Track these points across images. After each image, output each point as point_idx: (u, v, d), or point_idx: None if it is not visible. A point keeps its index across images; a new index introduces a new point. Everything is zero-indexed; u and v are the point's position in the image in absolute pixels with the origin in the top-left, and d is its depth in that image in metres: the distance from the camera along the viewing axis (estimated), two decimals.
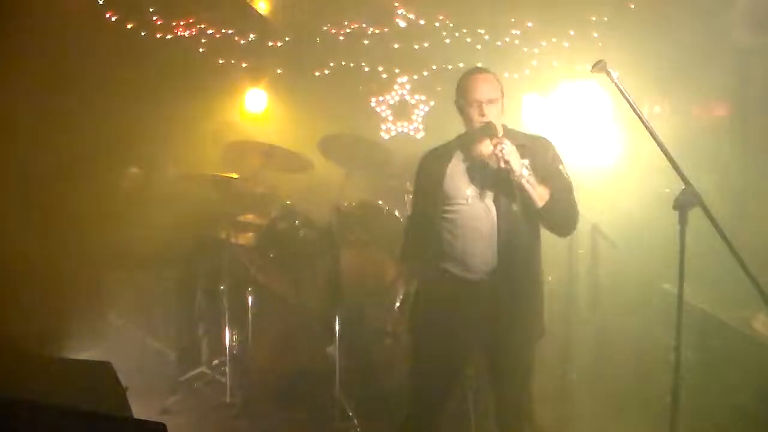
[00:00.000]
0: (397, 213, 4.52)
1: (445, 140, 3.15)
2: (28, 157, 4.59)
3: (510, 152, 2.78)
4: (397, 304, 3.17)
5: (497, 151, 2.78)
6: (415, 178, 3.29)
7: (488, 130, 2.86)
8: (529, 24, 5.60)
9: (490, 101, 2.93)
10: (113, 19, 5.44)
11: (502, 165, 2.78)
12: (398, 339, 3.32)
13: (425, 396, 3.05)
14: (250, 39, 6.04)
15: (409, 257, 3.22)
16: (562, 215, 2.92)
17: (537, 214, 2.87)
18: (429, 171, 3.09)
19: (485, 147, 2.97)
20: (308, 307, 4.68)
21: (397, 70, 6.11)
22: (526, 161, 2.83)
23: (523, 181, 2.80)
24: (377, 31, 5.90)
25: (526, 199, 2.83)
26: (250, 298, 4.74)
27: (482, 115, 2.91)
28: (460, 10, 5.62)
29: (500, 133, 2.85)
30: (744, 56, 4.36)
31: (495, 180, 2.91)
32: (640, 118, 2.65)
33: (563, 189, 2.92)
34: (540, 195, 2.84)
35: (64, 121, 4.83)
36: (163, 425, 1.78)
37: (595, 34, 5.34)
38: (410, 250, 3.22)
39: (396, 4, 5.65)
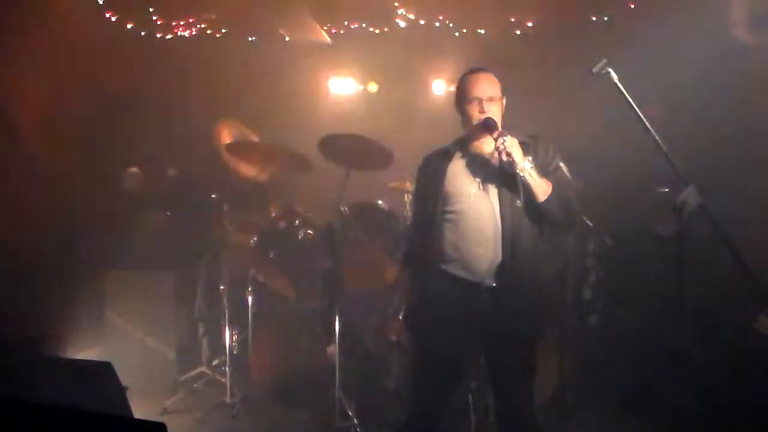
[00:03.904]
0: (397, 213, 4.51)
1: (445, 141, 3.14)
2: (27, 157, 4.59)
3: (512, 145, 2.77)
4: (401, 315, 3.16)
5: (499, 144, 2.77)
6: (415, 182, 3.28)
7: (488, 125, 2.86)
8: (529, 24, 5.61)
9: (491, 99, 2.92)
10: (113, 19, 5.44)
11: (504, 158, 2.77)
12: (400, 346, 3.32)
13: (426, 396, 3.05)
14: (249, 39, 6.06)
15: (411, 262, 3.21)
16: (563, 210, 2.91)
17: (539, 209, 2.86)
18: (430, 172, 3.08)
19: (486, 144, 2.97)
20: (308, 307, 4.68)
21: (396, 70, 6.12)
22: (529, 157, 2.83)
23: (526, 175, 2.79)
24: (377, 31, 5.91)
25: (529, 194, 2.82)
26: (250, 298, 4.74)
27: (482, 112, 2.90)
28: (460, 10, 5.63)
29: (500, 128, 2.85)
30: (744, 55, 4.36)
31: (497, 176, 2.90)
32: (640, 118, 2.65)
33: (564, 184, 2.91)
34: (542, 189, 2.83)
35: (64, 120, 4.84)
36: (163, 425, 1.78)
37: (595, 34, 5.34)
38: (413, 255, 3.21)
39: (396, 4, 5.65)
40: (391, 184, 4.85)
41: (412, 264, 3.19)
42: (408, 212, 4.63)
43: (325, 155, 4.80)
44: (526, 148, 2.85)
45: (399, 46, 5.84)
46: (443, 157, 3.06)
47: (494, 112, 2.91)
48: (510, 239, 2.86)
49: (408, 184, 4.69)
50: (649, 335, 4.28)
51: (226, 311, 4.68)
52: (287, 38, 6.07)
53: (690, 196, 2.55)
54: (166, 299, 5.21)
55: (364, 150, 4.47)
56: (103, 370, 2.56)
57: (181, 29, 5.81)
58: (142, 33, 5.74)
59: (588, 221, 4.85)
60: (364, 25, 5.95)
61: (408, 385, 3.97)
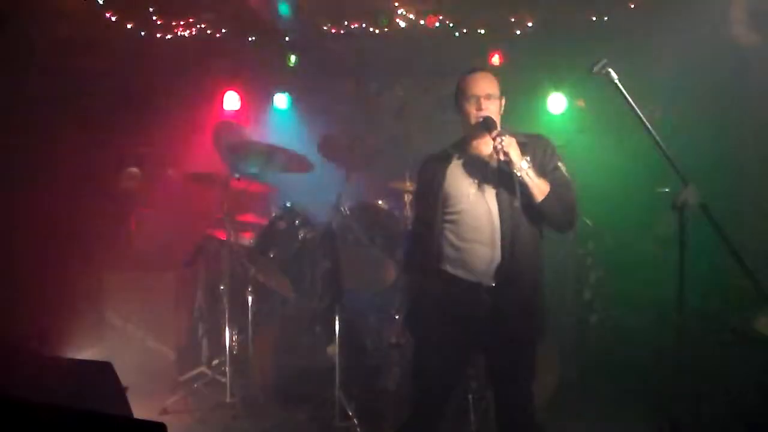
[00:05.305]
0: (397, 213, 4.51)
1: (445, 140, 3.14)
2: (28, 157, 4.59)
3: (509, 144, 2.77)
4: (401, 315, 3.16)
5: (497, 144, 2.77)
6: (416, 185, 3.28)
7: (487, 124, 2.85)
8: (529, 24, 5.61)
9: (488, 97, 2.92)
10: (113, 19, 5.44)
11: (502, 158, 2.77)
12: (400, 346, 3.32)
13: (426, 396, 3.05)
14: (250, 39, 6.05)
15: (412, 263, 3.21)
16: (561, 210, 2.91)
17: (537, 209, 2.86)
18: (429, 175, 3.09)
19: (484, 146, 2.97)
20: (308, 307, 4.68)
21: (397, 71, 6.12)
22: (527, 157, 2.83)
23: (523, 174, 2.79)
24: (377, 31, 5.91)
25: (527, 194, 2.82)
26: (250, 298, 4.74)
27: (479, 109, 2.90)
28: (460, 10, 5.63)
29: (498, 128, 2.85)
30: (744, 55, 4.36)
31: (496, 177, 2.90)
32: (640, 117, 2.65)
33: (563, 184, 2.91)
34: (540, 189, 2.83)
35: (64, 120, 4.84)
36: (163, 425, 1.78)
37: (596, 34, 5.34)
38: (413, 256, 3.21)
39: (396, 4, 5.65)
40: (391, 184, 4.84)
41: (412, 265, 3.19)
42: (408, 212, 4.63)
43: (325, 155, 4.80)
44: (524, 149, 2.85)
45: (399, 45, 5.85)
46: (442, 159, 3.06)
47: (492, 110, 2.91)
48: (509, 240, 2.87)
49: (408, 184, 4.69)
50: (648, 335, 4.28)
51: (226, 311, 4.68)
52: (287, 38, 6.07)
53: (690, 195, 2.55)
54: (166, 299, 5.22)
55: (364, 150, 4.48)
56: (103, 370, 2.56)
57: (181, 29, 5.81)
58: (142, 33, 5.73)
59: (588, 221, 4.85)
60: (364, 25, 5.95)
61: (408, 385, 3.98)
